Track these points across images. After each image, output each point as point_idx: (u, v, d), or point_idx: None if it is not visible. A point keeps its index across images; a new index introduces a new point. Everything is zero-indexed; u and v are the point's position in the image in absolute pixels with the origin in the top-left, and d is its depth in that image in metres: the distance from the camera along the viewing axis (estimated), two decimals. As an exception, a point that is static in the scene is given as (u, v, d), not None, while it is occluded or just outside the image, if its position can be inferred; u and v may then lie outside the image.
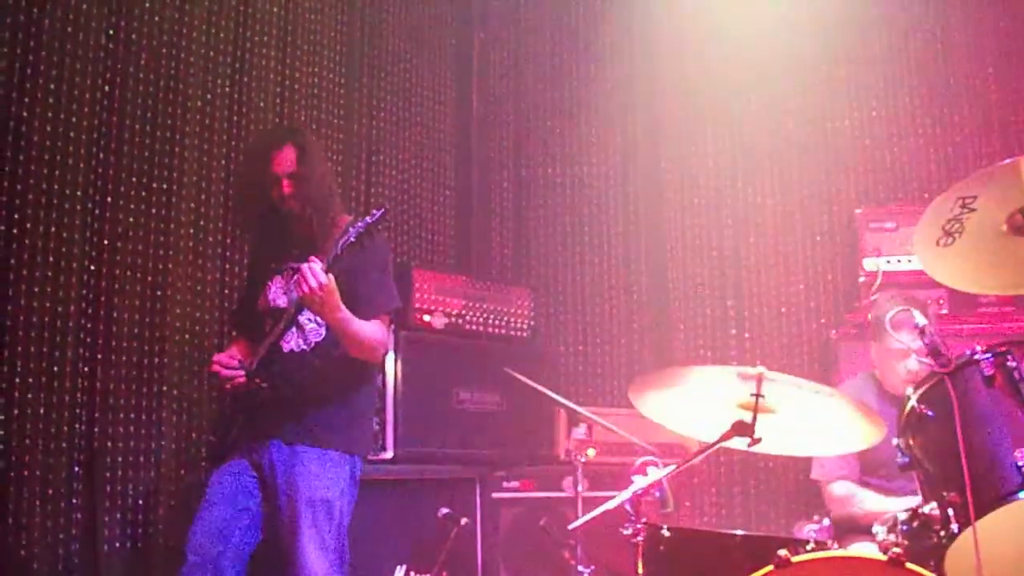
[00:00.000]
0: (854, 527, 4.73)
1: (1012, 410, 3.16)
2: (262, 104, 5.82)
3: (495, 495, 5.58)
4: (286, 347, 4.29)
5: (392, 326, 4.90)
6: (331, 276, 3.97)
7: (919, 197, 6.40)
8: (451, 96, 7.12)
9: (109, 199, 5.11)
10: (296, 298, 4.08)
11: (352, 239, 4.01)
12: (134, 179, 5.21)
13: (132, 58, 5.24)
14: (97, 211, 5.07)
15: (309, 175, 4.30)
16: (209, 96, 5.58)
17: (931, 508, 3.26)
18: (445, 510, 5.04)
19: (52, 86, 4.91)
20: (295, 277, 4.00)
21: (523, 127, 7.37)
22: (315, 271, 3.93)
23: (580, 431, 5.03)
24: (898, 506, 4.44)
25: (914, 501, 4.09)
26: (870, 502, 4.82)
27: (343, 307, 4.08)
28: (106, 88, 5.14)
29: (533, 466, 5.84)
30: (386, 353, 4.65)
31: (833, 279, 6.69)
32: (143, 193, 5.23)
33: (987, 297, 5.83)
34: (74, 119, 4.98)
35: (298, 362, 4.29)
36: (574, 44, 7.43)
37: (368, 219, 4.06)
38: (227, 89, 5.68)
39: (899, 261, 5.95)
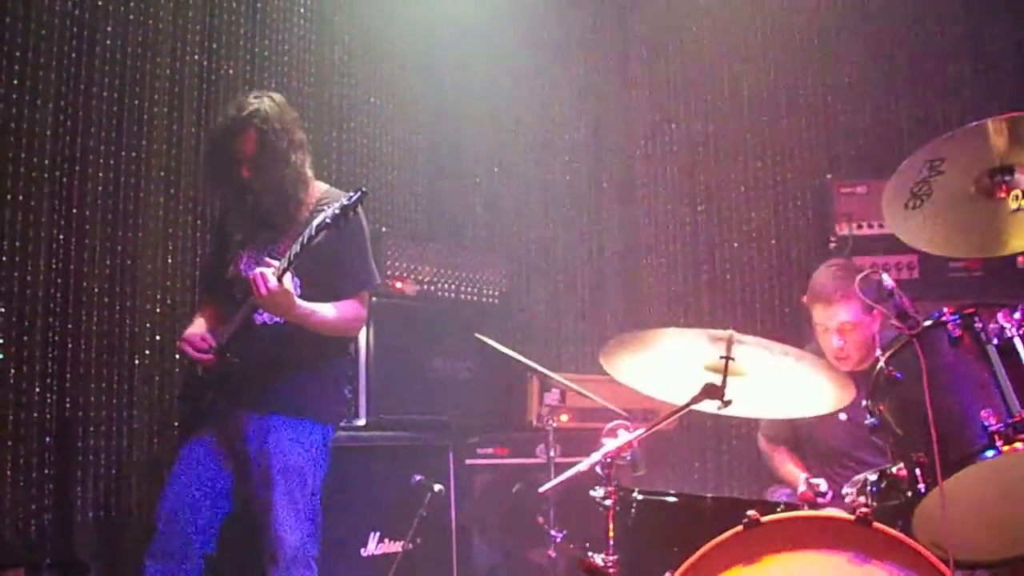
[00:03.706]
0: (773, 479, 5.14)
1: (979, 371, 3.17)
2: (231, 72, 5.78)
3: (468, 461, 5.59)
4: (258, 319, 4.24)
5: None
6: (287, 276, 3.95)
7: (891, 163, 6.40)
8: (422, 60, 7.06)
9: (77, 168, 5.08)
10: (251, 300, 4.06)
11: (328, 220, 3.91)
12: (102, 148, 5.18)
13: (99, 24, 5.20)
14: (65, 179, 5.05)
15: (269, 160, 4.19)
16: (178, 64, 5.54)
17: (898, 468, 3.28)
18: (418, 477, 5.04)
19: (17, 53, 4.87)
20: (250, 275, 3.95)
21: (495, 92, 7.33)
22: (266, 279, 3.87)
23: (553, 397, 5.03)
24: (800, 480, 4.59)
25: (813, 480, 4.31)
26: (782, 470, 5.06)
27: (299, 304, 4.03)
28: (72, 56, 5.10)
29: (506, 432, 5.85)
30: (361, 327, 4.63)
31: (806, 244, 6.73)
32: (111, 161, 5.20)
33: (957, 263, 5.87)
34: (40, 87, 4.94)
35: (271, 334, 4.25)
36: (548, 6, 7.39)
37: (345, 201, 3.95)
38: (196, 57, 5.63)
39: (870, 226, 5.99)
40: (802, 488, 4.21)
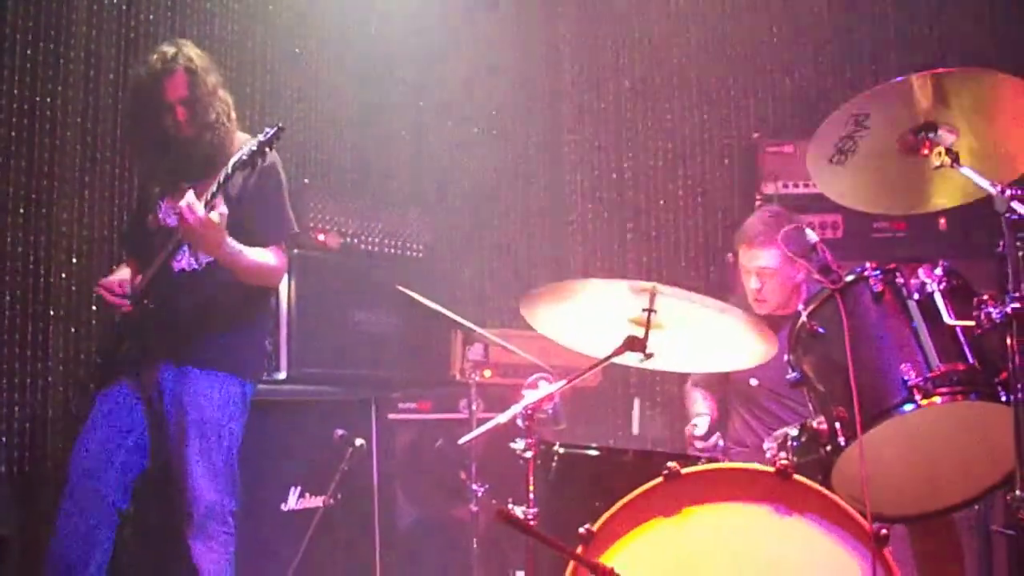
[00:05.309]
0: None
1: (899, 327, 3.20)
2: (152, 17, 5.63)
3: (391, 416, 5.53)
4: (176, 266, 4.20)
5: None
6: (221, 210, 3.90)
7: (818, 124, 6.43)
8: (350, 10, 6.91)
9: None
10: (169, 246, 4.00)
11: (244, 157, 3.95)
12: (16, 92, 5.03)
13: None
14: (-24, 127, 4.92)
15: (202, 99, 4.19)
16: (96, 8, 5.39)
17: (819, 423, 3.28)
18: (340, 432, 4.99)
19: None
20: (176, 210, 3.89)
21: (423, 46, 7.22)
22: (194, 207, 3.82)
23: (477, 351, 5.00)
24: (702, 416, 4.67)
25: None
26: (689, 411, 5.07)
27: (228, 241, 3.99)
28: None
29: (429, 387, 5.81)
30: (282, 277, 4.58)
31: (732, 203, 6.75)
32: (25, 106, 5.06)
33: (880, 223, 5.91)
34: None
35: (189, 282, 4.21)
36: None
37: (261, 137, 4.00)
38: (115, 1, 5.48)
39: (796, 186, 6.00)
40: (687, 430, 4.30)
